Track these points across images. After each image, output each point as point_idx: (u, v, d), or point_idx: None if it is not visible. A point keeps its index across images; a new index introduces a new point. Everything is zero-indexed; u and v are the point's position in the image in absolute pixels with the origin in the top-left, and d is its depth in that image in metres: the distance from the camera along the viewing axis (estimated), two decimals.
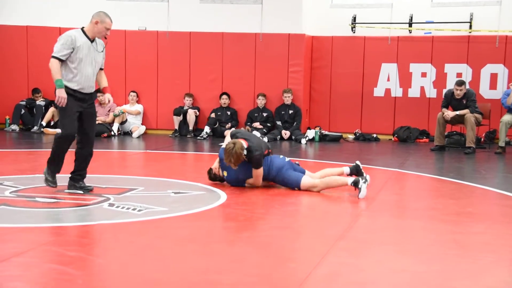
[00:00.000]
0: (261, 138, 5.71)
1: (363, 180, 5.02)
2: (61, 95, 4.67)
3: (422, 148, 9.40)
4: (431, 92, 10.53)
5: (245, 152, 5.12)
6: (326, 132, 10.35)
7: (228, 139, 5.44)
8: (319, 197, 5.11)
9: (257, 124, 10.39)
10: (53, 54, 4.69)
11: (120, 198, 4.80)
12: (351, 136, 10.66)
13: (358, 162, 5.62)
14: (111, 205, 4.53)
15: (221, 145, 5.42)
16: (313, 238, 3.80)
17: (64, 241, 3.59)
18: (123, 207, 4.43)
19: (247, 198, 5.02)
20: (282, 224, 4.21)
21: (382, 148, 9.42)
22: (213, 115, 10.57)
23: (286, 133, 10.22)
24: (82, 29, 4.82)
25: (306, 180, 5.23)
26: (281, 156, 5.41)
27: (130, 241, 3.60)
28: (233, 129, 5.60)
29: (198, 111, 10.74)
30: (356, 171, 5.53)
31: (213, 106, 10.78)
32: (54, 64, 4.67)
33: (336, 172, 5.51)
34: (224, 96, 10.67)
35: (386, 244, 3.67)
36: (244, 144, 5.14)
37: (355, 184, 5.05)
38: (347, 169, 5.58)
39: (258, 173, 5.25)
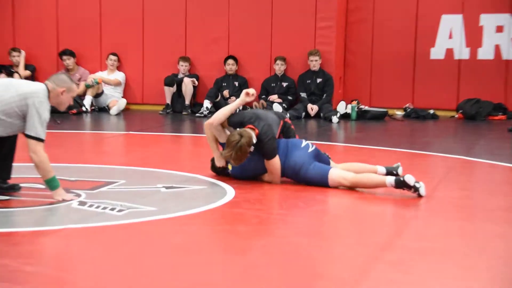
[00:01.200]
0: (272, 112, 5.61)
1: (413, 189, 4.90)
2: (63, 197, 4.59)
3: (497, 127, 9.33)
4: (510, 53, 10.40)
5: (252, 148, 5.09)
6: (366, 108, 10.30)
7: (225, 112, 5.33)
8: (357, 193, 5.08)
9: (274, 97, 10.35)
10: (39, 137, 4.45)
11: (94, 194, 4.81)
12: (399, 113, 10.60)
13: (408, 178, 4.95)
14: (82, 203, 4.53)
15: None
16: (350, 248, 3.77)
17: (19, 252, 3.59)
18: (98, 207, 4.43)
19: (262, 194, 4.99)
20: (308, 229, 4.20)
21: (442, 128, 9.36)
22: (225, 92, 10.48)
23: (312, 108, 10.17)
24: (47, 88, 4.59)
25: (335, 173, 5.15)
26: (303, 144, 5.27)
27: (107, 251, 3.60)
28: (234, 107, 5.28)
29: (197, 80, 10.72)
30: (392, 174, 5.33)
31: (216, 74, 10.76)
32: (45, 159, 4.47)
33: (368, 169, 5.38)
34: (230, 61, 10.63)
35: (447, 256, 3.63)
36: (254, 136, 5.10)
37: (400, 184, 4.92)
38: (382, 169, 5.36)
39: (274, 165, 5.20)
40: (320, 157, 5.35)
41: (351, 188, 5.12)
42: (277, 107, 9.91)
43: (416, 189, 4.90)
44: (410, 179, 4.91)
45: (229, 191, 5.01)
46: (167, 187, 5.09)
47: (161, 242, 3.80)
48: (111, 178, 5.38)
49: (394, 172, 5.36)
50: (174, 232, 4.00)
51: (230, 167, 5.38)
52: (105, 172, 5.68)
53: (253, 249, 3.73)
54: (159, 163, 6.19)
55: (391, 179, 4.97)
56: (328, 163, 5.38)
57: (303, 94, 10.40)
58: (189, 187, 5.15)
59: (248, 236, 4.00)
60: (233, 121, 5.32)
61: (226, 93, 10.51)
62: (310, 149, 5.27)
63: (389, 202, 4.95)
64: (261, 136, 5.14)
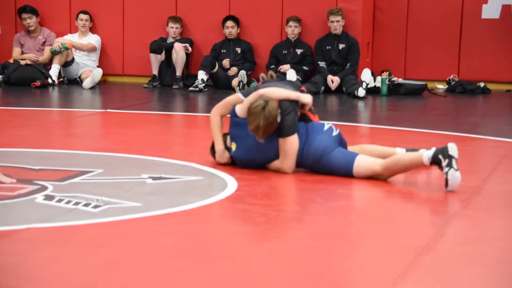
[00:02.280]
0: (284, 83, 5.66)
1: (447, 161, 4.78)
2: None
3: None
4: None
5: (279, 118, 5.14)
6: (400, 80, 10.29)
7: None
8: (388, 186, 5.09)
9: (286, 67, 10.33)
10: None
11: (64, 186, 4.82)
12: (441, 87, 10.59)
13: (451, 146, 4.89)
14: (48, 197, 4.54)
15: None
16: (380, 254, 3.79)
17: None
18: (68, 202, 4.44)
19: (271, 187, 5.01)
20: (327, 230, 4.21)
21: (495, 105, 9.36)
22: (225, 62, 10.45)
23: (333, 81, 10.15)
24: None
25: (363, 160, 5.15)
26: (326, 127, 5.31)
27: (81, 256, 3.61)
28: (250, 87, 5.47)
29: (191, 46, 10.70)
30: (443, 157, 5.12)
31: (214, 39, 10.75)
32: None
33: (389, 152, 5.36)
34: (229, 23, 10.60)
35: (499, 262, 3.64)
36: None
37: (438, 152, 4.80)
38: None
39: (290, 144, 5.21)
40: (343, 143, 5.38)
41: (379, 178, 5.12)
42: (292, 76, 9.79)
43: (449, 164, 4.73)
44: (453, 148, 4.77)
45: (230, 183, 5.01)
46: (154, 178, 5.10)
47: (147, 245, 3.80)
48: (85, 166, 5.38)
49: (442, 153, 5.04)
50: (162, 233, 4.00)
51: (234, 147, 5.39)
52: (77, 159, 5.68)
53: (259, 254, 3.73)
54: (144, 148, 6.20)
55: (429, 152, 4.86)
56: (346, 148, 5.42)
57: (322, 64, 10.36)
58: (181, 178, 5.16)
59: (253, 239, 4.02)
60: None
61: (226, 62, 10.48)
62: (335, 133, 5.30)
63: (426, 196, 4.96)
64: (281, 108, 5.17)
